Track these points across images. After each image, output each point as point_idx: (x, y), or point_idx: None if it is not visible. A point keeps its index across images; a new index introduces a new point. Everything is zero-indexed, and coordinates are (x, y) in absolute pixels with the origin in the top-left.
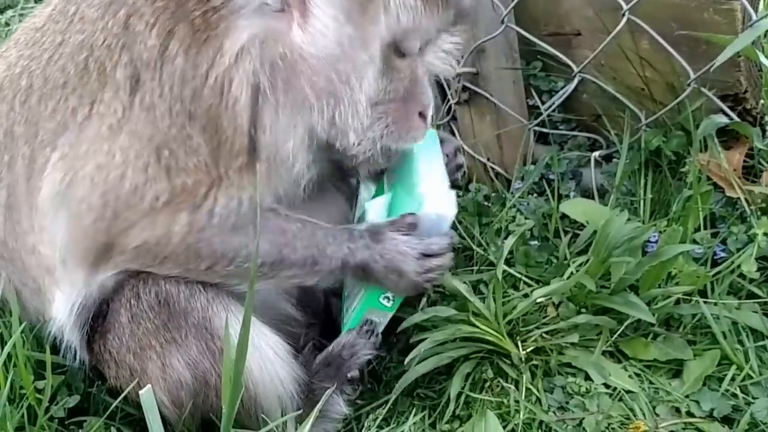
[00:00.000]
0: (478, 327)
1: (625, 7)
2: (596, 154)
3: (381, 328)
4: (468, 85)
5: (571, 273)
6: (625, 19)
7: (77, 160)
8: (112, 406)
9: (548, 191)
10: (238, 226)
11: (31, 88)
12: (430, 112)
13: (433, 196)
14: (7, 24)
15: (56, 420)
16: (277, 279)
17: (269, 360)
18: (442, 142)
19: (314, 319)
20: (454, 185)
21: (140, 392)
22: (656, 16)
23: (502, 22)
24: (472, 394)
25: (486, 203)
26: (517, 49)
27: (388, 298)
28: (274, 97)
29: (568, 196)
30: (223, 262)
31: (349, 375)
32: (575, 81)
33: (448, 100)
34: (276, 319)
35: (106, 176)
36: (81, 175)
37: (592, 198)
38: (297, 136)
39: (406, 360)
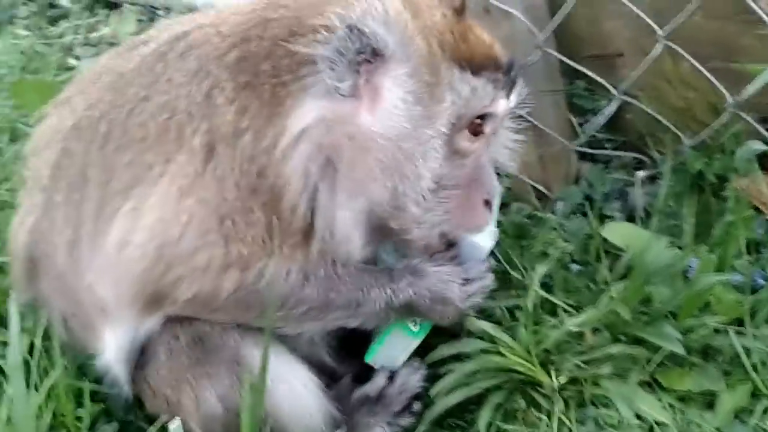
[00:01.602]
0: (508, 358)
1: (659, 32)
2: (641, 174)
3: (405, 357)
4: None
5: (609, 299)
6: (661, 46)
7: (143, 210)
8: None
9: (590, 212)
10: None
11: (110, 135)
12: (496, 201)
13: None
14: (60, 36)
15: None
16: (324, 321)
17: (300, 394)
18: None
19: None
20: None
21: (169, 424)
22: (696, 38)
23: (538, 47)
24: (502, 425)
25: (528, 221)
26: (559, 69)
27: (415, 321)
28: (334, 181)
29: (612, 216)
30: (272, 310)
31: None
32: (616, 103)
33: None
34: (311, 359)
35: (165, 230)
36: (142, 223)
37: (637, 219)
38: (355, 218)
39: (433, 391)
